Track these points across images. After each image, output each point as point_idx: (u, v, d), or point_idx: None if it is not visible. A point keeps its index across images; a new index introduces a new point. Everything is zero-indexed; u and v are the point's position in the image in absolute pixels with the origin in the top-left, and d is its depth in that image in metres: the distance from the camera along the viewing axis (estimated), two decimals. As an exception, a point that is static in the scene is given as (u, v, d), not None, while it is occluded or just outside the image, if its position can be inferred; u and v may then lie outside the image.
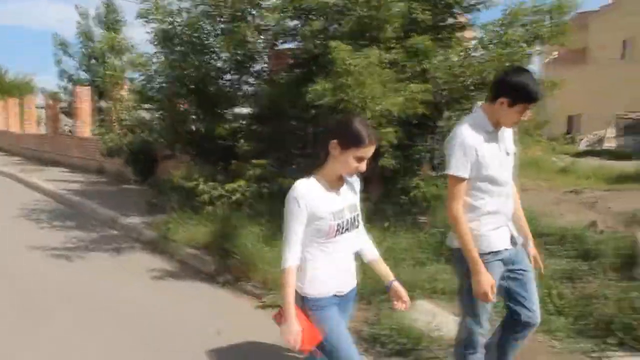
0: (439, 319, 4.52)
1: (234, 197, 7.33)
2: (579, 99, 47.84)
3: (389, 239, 6.16)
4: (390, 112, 5.85)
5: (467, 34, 8.20)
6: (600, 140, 38.37)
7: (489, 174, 3.04)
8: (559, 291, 4.78)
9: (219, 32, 9.06)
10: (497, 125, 3.06)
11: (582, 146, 38.54)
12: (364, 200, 6.85)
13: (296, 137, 7.59)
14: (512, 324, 3.37)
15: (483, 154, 3.01)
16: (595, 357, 4.11)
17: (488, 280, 2.99)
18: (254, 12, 8.61)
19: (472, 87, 6.43)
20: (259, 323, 5.34)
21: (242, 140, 8.06)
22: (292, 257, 2.60)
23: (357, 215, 2.78)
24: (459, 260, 3.15)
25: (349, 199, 2.75)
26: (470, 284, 3.06)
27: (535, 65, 7.98)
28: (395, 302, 3.04)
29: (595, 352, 4.16)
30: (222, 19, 8.98)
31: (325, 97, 5.87)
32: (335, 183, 2.69)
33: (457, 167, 2.99)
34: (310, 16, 7.47)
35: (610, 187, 15.27)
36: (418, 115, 6.56)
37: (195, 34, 9.05)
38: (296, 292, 2.66)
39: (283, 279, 2.60)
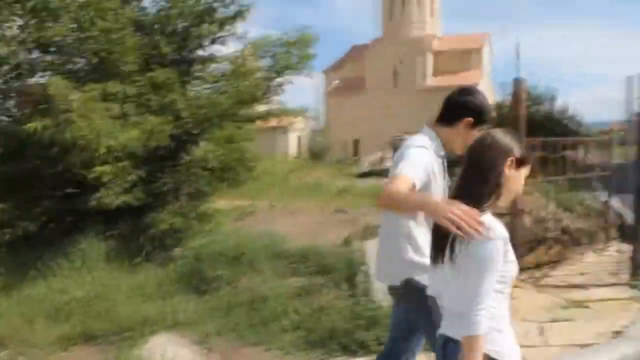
0: (173, 351, 4.51)
1: (-29, 248, 6.68)
2: (361, 123, 51.62)
3: (140, 274, 6.05)
4: (126, 147, 5.78)
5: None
6: (381, 160, 41.60)
7: None
8: (295, 307, 5.03)
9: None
10: (447, 149, 2.82)
11: (366, 167, 41.48)
12: (115, 237, 6.67)
13: (43, 177, 7.14)
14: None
15: (436, 178, 2.74)
16: (321, 364, 4.39)
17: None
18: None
19: (216, 119, 6.60)
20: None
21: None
22: (487, 318, 1.96)
23: None
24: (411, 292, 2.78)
25: None
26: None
27: (281, 95, 8.43)
28: None
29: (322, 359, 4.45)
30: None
31: (46, 134, 5.64)
32: None
33: (411, 170, 2.53)
34: (50, 50, 7.15)
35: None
36: (165, 148, 6.58)
37: None
38: None
39: (477, 348, 1.94)
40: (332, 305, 4.98)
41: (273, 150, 42.59)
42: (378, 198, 2.40)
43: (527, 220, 6.68)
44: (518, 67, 36.73)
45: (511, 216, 6.39)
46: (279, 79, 8.17)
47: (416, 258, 2.77)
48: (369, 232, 6.61)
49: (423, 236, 2.73)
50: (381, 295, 4.82)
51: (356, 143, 53.04)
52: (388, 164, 36.78)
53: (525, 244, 6.56)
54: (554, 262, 6.85)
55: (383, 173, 33.46)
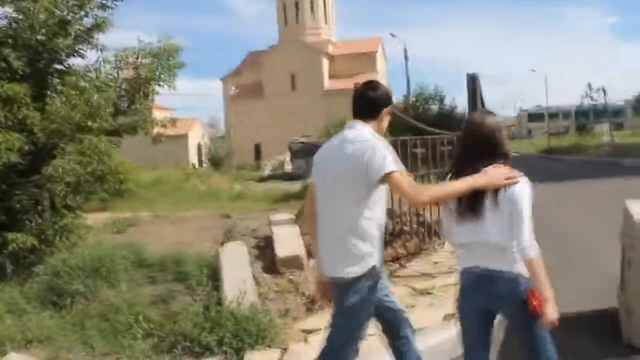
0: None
1: None
2: (262, 129, 51.83)
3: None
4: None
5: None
6: (282, 165, 41.89)
7: None
8: (146, 315, 5.09)
9: None
10: None
11: (267, 171, 41.61)
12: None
13: None
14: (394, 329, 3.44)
15: None
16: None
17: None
18: None
19: (70, 132, 6.53)
20: None
21: None
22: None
23: None
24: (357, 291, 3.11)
25: None
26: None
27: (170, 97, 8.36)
28: None
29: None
30: None
31: None
32: None
33: (396, 162, 3.02)
34: None
35: (270, 207, 16.82)
36: (21, 164, 6.47)
37: None
38: (509, 275, 2.88)
39: (540, 266, 2.76)
40: (184, 311, 5.08)
41: (172, 159, 42.04)
42: (422, 202, 3.14)
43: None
44: (407, 69, 38.27)
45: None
46: (144, 90, 8.17)
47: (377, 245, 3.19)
48: (231, 236, 6.77)
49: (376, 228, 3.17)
50: (230, 297, 4.99)
51: (258, 148, 53.23)
52: (288, 167, 36.76)
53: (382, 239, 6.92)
54: (412, 255, 7.28)
55: (284, 177, 33.72)
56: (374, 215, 3.13)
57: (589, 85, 40.08)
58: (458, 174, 2.95)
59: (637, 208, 4.56)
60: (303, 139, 36.84)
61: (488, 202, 2.85)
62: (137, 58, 8.08)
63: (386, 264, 6.89)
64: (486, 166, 2.88)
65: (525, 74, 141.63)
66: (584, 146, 36.93)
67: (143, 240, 9.71)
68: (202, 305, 5.05)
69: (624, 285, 4.57)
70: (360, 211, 3.07)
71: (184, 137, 51.35)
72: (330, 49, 53.61)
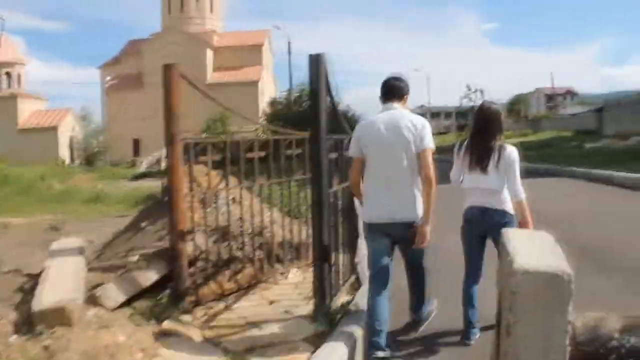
0: None
1: None
2: (142, 122, 48.64)
3: None
4: None
5: None
6: (159, 161, 39.38)
7: None
8: None
9: None
10: None
11: (143, 168, 39.00)
12: None
13: None
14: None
15: None
16: None
17: None
18: None
19: None
20: None
21: None
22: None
23: None
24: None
25: None
26: None
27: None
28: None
29: None
30: None
31: None
32: None
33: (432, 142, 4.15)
34: None
35: (123, 213, 14.83)
36: None
37: None
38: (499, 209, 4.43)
39: (526, 205, 4.35)
40: None
41: (41, 154, 38.40)
42: (433, 185, 4.08)
43: (201, 240, 5.37)
44: (290, 63, 36.89)
45: (170, 241, 5.04)
46: None
47: None
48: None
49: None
50: None
51: (137, 143, 49.97)
52: (164, 164, 34.64)
53: (200, 272, 5.27)
54: (245, 289, 5.68)
55: (160, 174, 31.55)
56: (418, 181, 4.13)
57: (468, 87, 40.86)
58: (473, 143, 4.46)
59: (518, 247, 3.09)
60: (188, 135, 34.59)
61: (491, 162, 4.30)
62: None
63: (206, 306, 5.27)
64: (490, 139, 4.37)
65: (409, 74, 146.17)
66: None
67: None
68: None
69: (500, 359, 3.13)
70: (414, 169, 4.07)
71: (53, 130, 47.24)
72: (215, 40, 51.32)
